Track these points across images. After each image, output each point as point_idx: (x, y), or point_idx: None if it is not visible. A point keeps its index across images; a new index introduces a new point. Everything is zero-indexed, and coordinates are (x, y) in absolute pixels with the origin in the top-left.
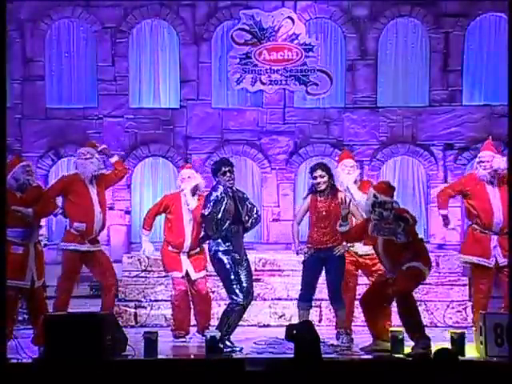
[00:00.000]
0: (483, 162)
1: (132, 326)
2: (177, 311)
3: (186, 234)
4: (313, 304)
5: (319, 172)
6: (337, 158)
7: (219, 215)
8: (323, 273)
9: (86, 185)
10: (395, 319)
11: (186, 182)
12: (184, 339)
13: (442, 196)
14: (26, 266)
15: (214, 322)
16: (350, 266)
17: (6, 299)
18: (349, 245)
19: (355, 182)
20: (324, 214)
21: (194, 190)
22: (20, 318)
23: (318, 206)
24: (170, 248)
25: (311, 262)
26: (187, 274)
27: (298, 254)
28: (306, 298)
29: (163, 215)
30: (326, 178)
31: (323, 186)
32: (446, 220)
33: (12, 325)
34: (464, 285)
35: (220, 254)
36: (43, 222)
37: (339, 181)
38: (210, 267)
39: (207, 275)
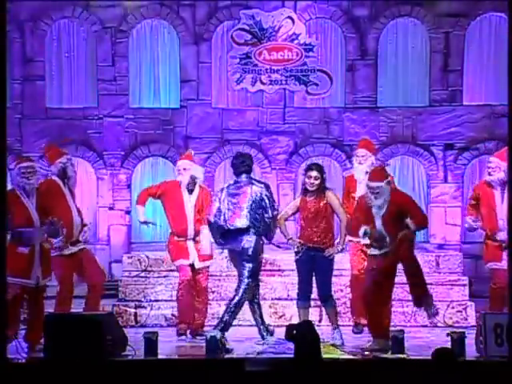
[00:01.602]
0: (488, 167)
1: (132, 326)
2: (181, 302)
3: (188, 219)
4: (312, 303)
5: (315, 173)
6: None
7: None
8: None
9: (60, 188)
10: (395, 319)
11: (181, 175)
12: (185, 337)
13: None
14: (31, 265)
15: (213, 321)
16: (363, 261)
17: (11, 298)
18: (340, 248)
19: (367, 172)
20: (313, 214)
21: (192, 181)
22: (20, 318)
23: (308, 207)
24: (175, 238)
25: (302, 260)
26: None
27: (287, 242)
28: (303, 296)
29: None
30: (319, 181)
31: (314, 188)
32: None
33: (17, 325)
34: (464, 285)
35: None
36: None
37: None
38: (211, 268)
39: (209, 275)
